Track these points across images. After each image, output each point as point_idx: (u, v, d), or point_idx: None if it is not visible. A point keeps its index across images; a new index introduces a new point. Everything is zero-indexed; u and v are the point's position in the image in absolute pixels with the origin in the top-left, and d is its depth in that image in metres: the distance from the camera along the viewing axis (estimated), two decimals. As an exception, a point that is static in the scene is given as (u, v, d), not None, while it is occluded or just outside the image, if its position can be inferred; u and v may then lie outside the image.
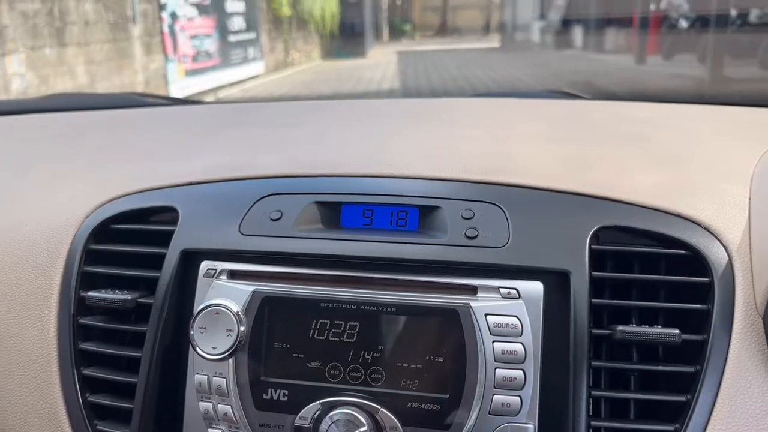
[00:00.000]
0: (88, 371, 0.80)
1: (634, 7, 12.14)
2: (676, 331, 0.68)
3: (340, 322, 0.73)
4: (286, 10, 13.91)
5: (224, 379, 0.74)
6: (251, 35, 12.64)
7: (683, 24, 10.59)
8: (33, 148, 1.13)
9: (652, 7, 11.59)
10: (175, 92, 8.93)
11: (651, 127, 1.02)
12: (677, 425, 0.67)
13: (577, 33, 15.19)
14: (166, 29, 9.48)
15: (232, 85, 11.12)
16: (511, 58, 15.76)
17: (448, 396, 0.70)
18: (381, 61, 16.46)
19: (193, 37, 10.26)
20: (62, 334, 0.81)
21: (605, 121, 1.08)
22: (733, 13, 9.03)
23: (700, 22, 10.05)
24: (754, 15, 8.98)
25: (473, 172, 0.82)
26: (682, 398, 0.67)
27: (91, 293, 0.81)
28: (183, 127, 1.20)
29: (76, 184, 0.94)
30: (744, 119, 1.11)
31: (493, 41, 19.86)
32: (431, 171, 0.83)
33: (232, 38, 11.78)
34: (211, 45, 10.92)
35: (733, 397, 0.66)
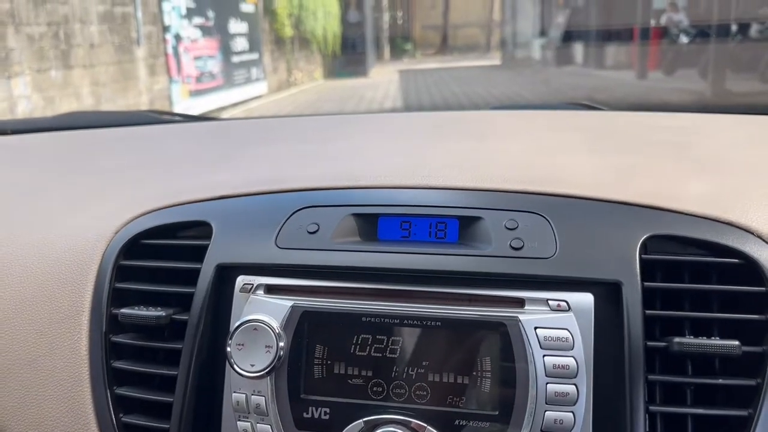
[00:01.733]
0: (121, 390, 0.78)
1: (634, 22, 12.20)
2: (736, 342, 0.66)
3: (382, 337, 0.71)
4: (288, 31, 14.01)
5: (263, 398, 0.72)
6: (254, 56, 12.72)
7: (684, 39, 10.64)
8: (52, 166, 1.12)
9: (653, 22, 11.64)
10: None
11: (686, 136, 1.01)
12: None
13: (578, 49, 15.26)
14: (170, 51, 9.54)
15: (235, 105, 11.17)
16: (512, 75, 15.82)
17: (497, 413, 0.68)
18: (383, 80, 16.54)
19: (196, 58, 10.33)
20: (94, 352, 0.79)
21: (637, 130, 1.07)
22: (734, 27, 9.07)
23: (701, 37, 10.09)
24: (754, 29, 9.02)
25: (514, 182, 0.80)
26: (744, 413, 0.65)
27: (124, 310, 0.79)
28: (206, 143, 1.19)
29: (103, 200, 0.92)
30: None
31: (494, 59, 19.95)
32: (470, 182, 0.81)
33: (235, 59, 11.86)
34: (214, 66, 10.98)
35: None
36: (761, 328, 0.67)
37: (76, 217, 0.90)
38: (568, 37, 15.47)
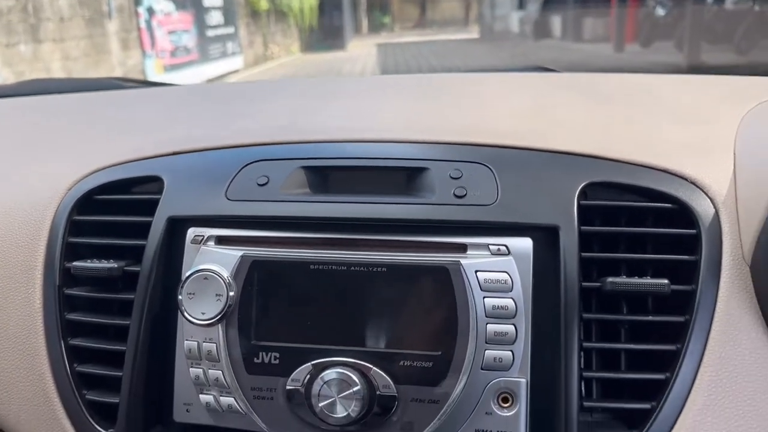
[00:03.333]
0: (76, 341, 0.79)
1: (611, -5, 12.21)
2: (666, 281, 0.69)
3: (330, 284, 0.73)
4: (264, 4, 13.82)
5: (214, 345, 0.74)
6: (230, 30, 12.56)
7: (660, 11, 10.67)
8: (8, 131, 1.11)
9: (630, -6, 11.67)
10: (154, 87, 8.84)
11: (631, 92, 1.03)
12: (668, 374, 0.67)
13: (556, 23, 15.25)
14: (143, 24, 9.39)
15: (211, 80, 11.05)
16: (490, 48, 15.79)
17: (440, 353, 0.70)
18: (361, 53, 16.41)
19: (170, 32, 10.17)
20: (48, 305, 0.80)
21: (585, 88, 1.09)
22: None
23: (677, 9, 10.13)
24: (729, 1, 9.08)
25: (460, 134, 0.82)
26: (672, 347, 0.68)
27: (76, 263, 0.80)
28: (164, 105, 1.19)
29: (57, 159, 0.92)
30: (727, 86, 1.12)
31: (473, 32, 19.87)
32: (417, 135, 0.83)
33: (211, 33, 11.70)
34: (189, 40, 10.83)
35: (723, 344, 0.67)
36: (692, 269, 0.70)
37: (29, 175, 0.90)
38: (546, 9, 15.45)
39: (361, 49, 17.44)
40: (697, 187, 0.73)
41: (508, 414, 0.69)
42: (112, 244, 0.81)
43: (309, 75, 12.51)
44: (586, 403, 0.69)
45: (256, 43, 13.95)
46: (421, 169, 0.77)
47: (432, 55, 14.77)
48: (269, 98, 1.11)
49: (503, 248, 0.71)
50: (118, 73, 8.57)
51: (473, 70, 1.51)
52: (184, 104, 1.16)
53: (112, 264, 0.78)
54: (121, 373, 0.75)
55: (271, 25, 14.59)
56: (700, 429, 0.65)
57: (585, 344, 0.69)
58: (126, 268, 0.79)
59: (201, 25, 11.19)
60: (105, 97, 1.31)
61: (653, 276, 0.72)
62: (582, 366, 0.69)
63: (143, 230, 0.79)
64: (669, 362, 0.68)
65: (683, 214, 0.72)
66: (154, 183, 0.83)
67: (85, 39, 7.99)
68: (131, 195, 0.84)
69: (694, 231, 0.71)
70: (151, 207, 0.80)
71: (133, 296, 0.77)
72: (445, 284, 0.70)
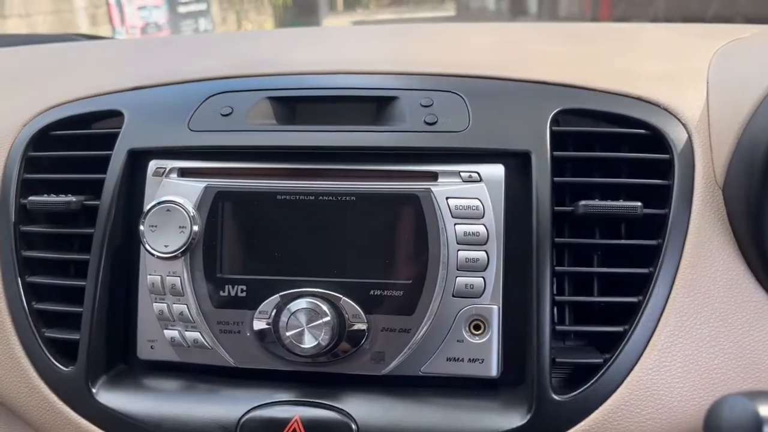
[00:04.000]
0: (33, 279, 0.76)
1: (586, -29, 12.19)
2: (638, 203, 0.68)
3: (297, 214, 0.71)
4: (237, -20, 13.58)
5: (178, 278, 0.71)
6: (202, 6, 12.31)
7: (635, -13, 10.68)
8: None
9: (605, -29, 11.65)
10: (125, 64, 8.66)
11: (610, 34, 1.02)
12: (640, 297, 0.67)
13: (532, 0, 15.21)
14: (112, 0, 9.17)
15: (183, 57, 10.84)
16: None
17: (410, 281, 0.69)
18: (336, 31, 16.21)
19: (140, 8, 9.95)
20: (4, 243, 0.76)
21: (559, 32, 1.08)
22: (683, -25, 9.15)
23: (651, -15, 10.15)
24: (703, -23, 9.11)
25: (431, 65, 0.80)
26: (645, 270, 0.67)
27: (32, 198, 0.77)
28: (125, 49, 1.15)
29: (12, 96, 0.88)
30: (704, 29, 1.11)
31: (449, 10, 19.75)
32: (387, 66, 0.81)
33: (182, 9, 11.46)
34: (160, 16, 10.61)
35: (695, 266, 0.66)
36: (665, 193, 0.69)
37: None
38: (522, -14, 15.38)
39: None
40: (670, 113, 0.72)
41: (479, 341, 0.68)
42: (69, 179, 0.78)
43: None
44: (558, 328, 0.68)
45: (229, 20, 13.71)
46: (391, 98, 0.75)
47: (408, 32, 14.66)
48: (238, 41, 1.08)
49: (475, 175, 0.69)
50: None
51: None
52: (146, 49, 1.12)
53: (70, 198, 0.76)
54: (79, 309, 0.73)
55: (245, 1, 14.36)
56: (671, 351, 0.65)
57: (557, 269, 0.68)
58: (85, 202, 0.76)
59: (172, 1, 10.96)
60: (65, 46, 1.27)
61: (626, 200, 0.71)
62: (554, 291, 0.68)
63: (102, 165, 0.76)
64: (641, 286, 0.67)
65: (656, 140, 0.71)
66: (114, 119, 0.80)
67: (52, 14, 7.78)
68: (90, 130, 0.81)
69: (667, 156, 0.70)
70: (110, 141, 0.77)
71: (92, 231, 0.74)
72: (415, 212, 0.69)
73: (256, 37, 1.17)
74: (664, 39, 1.00)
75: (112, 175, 0.74)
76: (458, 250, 0.68)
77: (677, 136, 0.70)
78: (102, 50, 1.19)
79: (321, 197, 0.71)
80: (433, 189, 0.69)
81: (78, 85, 0.85)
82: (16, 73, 1.01)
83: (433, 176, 0.70)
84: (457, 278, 0.68)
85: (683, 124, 0.71)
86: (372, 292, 0.69)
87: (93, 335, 0.72)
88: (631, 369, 0.65)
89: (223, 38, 1.22)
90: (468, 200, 0.69)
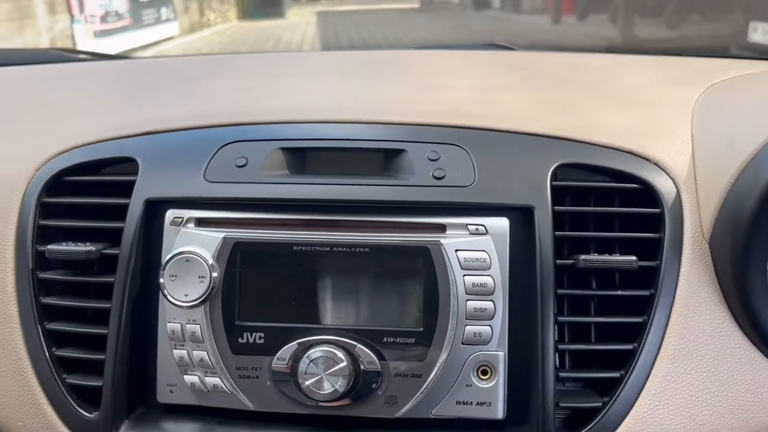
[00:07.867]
0: (53, 325, 0.78)
1: (549, -33, 12.34)
2: (634, 257, 0.73)
3: (312, 264, 0.74)
4: (199, -32, 13.34)
5: (198, 326, 0.74)
6: (163, -6, 12.07)
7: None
8: None
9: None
10: (85, 54, 8.45)
11: (596, 75, 1.07)
12: (635, 344, 0.72)
13: (495, -6, 15.34)
14: (70, -13, 8.93)
15: (145, 47, 10.62)
16: (431, 18, 15.76)
17: (422, 329, 0.73)
18: (300, 21, 16.12)
19: (100, -5, 9.71)
20: (21, 289, 0.78)
21: (547, 71, 1.13)
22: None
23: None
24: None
25: (436, 116, 0.84)
26: (639, 319, 0.73)
27: (51, 246, 0.78)
28: (124, 81, 1.16)
29: (18, 140, 0.89)
30: (680, 67, 1.17)
31: (413, 2, 19.78)
32: (394, 116, 0.84)
33: (143, -3, 11.22)
34: (120, 4, 10.37)
35: (685, 315, 0.72)
36: (656, 246, 0.75)
37: None
38: (486, -20, 15.49)
39: (300, 17, 17.11)
40: (660, 168, 0.78)
41: (487, 385, 0.73)
42: (86, 226, 0.80)
43: (246, 43, 12.22)
44: (561, 374, 0.73)
45: (191, 9, 13.49)
46: (400, 151, 0.79)
47: (372, 24, 14.64)
48: (237, 76, 1.10)
49: (481, 228, 0.74)
50: (45, 39, 8.14)
51: (427, 47, 1.53)
52: (150, 82, 1.13)
53: (89, 247, 0.77)
54: (101, 356, 0.75)
55: (207, -10, 14.14)
56: (664, 395, 0.70)
57: (560, 318, 0.73)
58: (104, 251, 0.78)
59: (133, -12, 10.72)
60: (56, 71, 1.26)
61: (620, 252, 0.76)
62: (556, 338, 0.73)
63: (119, 212, 0.78)
64: (636, 333, 0.73)
65: (648, 194, 0.76)
66: (126, 164, 0.82)
67: (8, 2, 7.55)
68: (103, 176, 0.83)
69: (657, 210, 0.75)
70: (125, 189, 0.79)
71: (111, 279, 0.76)
72: (426, 263, 0.73)
73: (241, 66, 1.19)
74: (647, 80, 1.05)
75: (131, 224, 0.77)
76: (467, 300, 0.72)
77: (667, 191, 0.76)
78: (94, 78, 1.20)
79: (335, 248, 0.74)
80: (443, 241, 0.73)
81: (88, 129, 0.86)
82: (17, 108, 1.01)
83: (442, 228, 0.74)
84: (466, 327, 0.72)
85: (672, 179, 0.77)
86: (385, 340, 0.73)
87: (116, 381, 0.75)
88: (628, 412, 0.70)
89: (208, 66, 1.23)
90: (476, 252, 0.73)
